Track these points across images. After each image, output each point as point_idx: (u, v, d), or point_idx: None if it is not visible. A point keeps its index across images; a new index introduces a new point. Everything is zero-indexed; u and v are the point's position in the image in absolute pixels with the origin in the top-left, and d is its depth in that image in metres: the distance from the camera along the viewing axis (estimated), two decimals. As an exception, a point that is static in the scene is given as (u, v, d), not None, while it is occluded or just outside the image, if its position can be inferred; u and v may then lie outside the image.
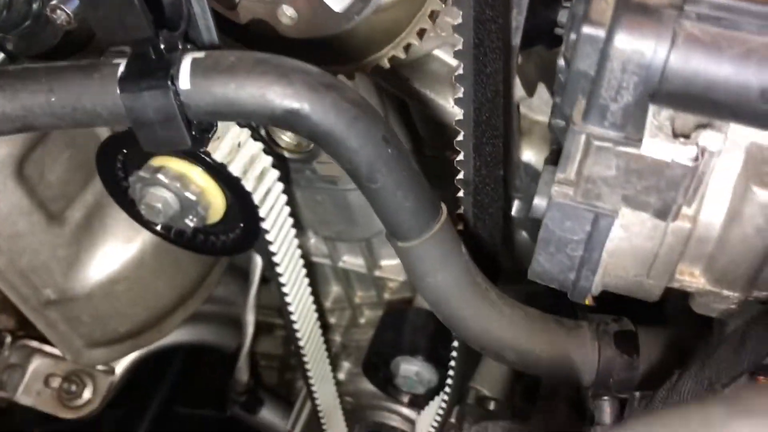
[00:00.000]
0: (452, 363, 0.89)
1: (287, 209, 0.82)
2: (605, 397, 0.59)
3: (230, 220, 0.80)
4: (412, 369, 1.00)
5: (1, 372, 1.03)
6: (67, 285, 0.93)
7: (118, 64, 0.53)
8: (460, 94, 0.59)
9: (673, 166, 0.43)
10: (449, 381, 0.93)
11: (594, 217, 0.48)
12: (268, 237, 0.80)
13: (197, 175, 0.74)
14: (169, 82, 0.51)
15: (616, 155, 0.44)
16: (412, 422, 1.18)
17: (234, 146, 0.75)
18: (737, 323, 0.51)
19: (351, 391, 1.20)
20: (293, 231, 0.85)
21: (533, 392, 1.15)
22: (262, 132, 0.93)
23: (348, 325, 1.23)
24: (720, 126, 0.45)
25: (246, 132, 0.76)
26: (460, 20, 0.56)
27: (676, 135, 0.43)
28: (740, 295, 0.51)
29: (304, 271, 0.91)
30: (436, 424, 1.01)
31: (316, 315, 0.99)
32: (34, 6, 0.64)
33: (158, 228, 0.83)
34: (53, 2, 0.58)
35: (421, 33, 0.66)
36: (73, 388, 1.06)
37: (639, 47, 0.43)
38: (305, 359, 1.02)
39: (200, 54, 0.53)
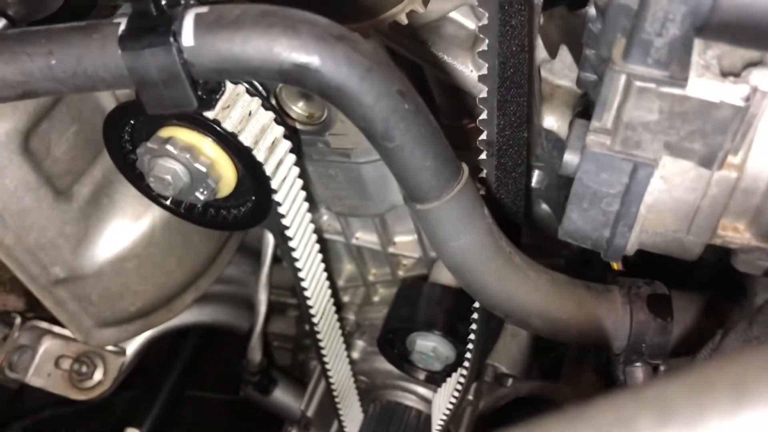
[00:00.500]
0: (471, 336, 0.87)
1: (299, 182, 0.80)
2: (638, 363, 0.56)
3: (241, 194, 0.78)
4: (428, 345, 0.98)
5: (12, 353, 1.02)
6: (75, 263, 0.92)
7: (118, 23, 0.51)
8: (484, 47, 0.56)
9: (722, 107, 0.40)
10: (468, 356, 0.90)
11: (633, 167, 0.45)
12: (281, 210, 0.78)
13: (207, 145, 0.72)
14: (172, 39, 0.49)
15: (659, 97, 0.41)
16: (427, 401, 1.16)
17: (244, 115, 0.72)
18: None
19: (365, 371, 1.19)
20: (306, 204, 0.83)
21: (551, 370, 1.13)
22: (273, 103, 0.91)
23: (362, 303, 1.21)
24: (772, 63, 0.42)
25: (257, 101, 0.73)
26: (483, -32, 0.53)
27: (724, 74, 0.41)
28: (788, 250, 0.48)
29: (317, 246, 0.89)
30: (454, 400, 0.99)
31: (329, 292, 0.97)
32: (35, -31, 0.62)
33: (168, 202, 0.81)
34: (54, -36, 0.56)
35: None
36: (84, 369, 1.04)
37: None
38: (319, 337, 1.00)
39: (203, 8, 0.50)
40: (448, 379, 1.03)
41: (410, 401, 1.17)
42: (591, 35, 0.53)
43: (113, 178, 0.92)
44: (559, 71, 0.81)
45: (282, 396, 1.34)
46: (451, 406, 1.00)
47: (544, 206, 1.01)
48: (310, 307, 0.93)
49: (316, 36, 0.48)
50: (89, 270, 0.93)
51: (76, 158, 0.88)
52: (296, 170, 0.79)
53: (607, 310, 0.61)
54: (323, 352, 1.03)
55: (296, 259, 0.85)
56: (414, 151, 0.52)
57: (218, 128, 0.69)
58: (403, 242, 1.10)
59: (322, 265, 0.92)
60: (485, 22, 0.55)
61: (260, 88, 0.76)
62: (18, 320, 1.03)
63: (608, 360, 0.63)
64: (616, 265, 0.64)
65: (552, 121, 0.84)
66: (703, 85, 0.41)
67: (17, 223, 0.85)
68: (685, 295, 0.63)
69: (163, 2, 0.50)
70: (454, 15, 0.74)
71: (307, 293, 0.91)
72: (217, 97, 0.65)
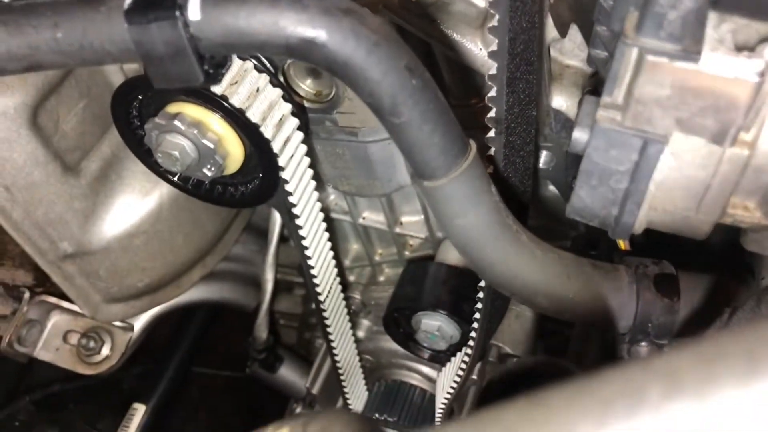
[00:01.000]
0: (476, 316, 0.87)
1: (307, 160, 0.80)
2: (643, 343, 0.56)
3: (249, 171, 0.78)
4: (434, 324, 0.99)
5: (21, 327, 1.03)
6: (84, 238, 0.92)
7: None
8: (494, 22, 0.56)
9: (736, 83, 0.40)
10: (473, 335, 0.91)
11: (643, 143, 0.45)
12: (288, 187, 0.78)
13: (215, 121, 0.72)
14: (178, 13, 0.48)
15: (672, 72, 0.41)
16: (432, 381, 1.17)
17: (252, 91, 0.72)
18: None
19: (370, 350, 1.19)
20: (313, 183, 0.83)
21: (556, 350, 1.13)
22: (281, 80, 0.90)
23: (368, 283, 1.22)
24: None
25: (264, 77, 0.73)
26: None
27: (738, 49, 0.40)
28: (797, 230, 0.48)
29: (324, 224, 0.89)
30: (458, 380, 0.99)
31: (336, 271, 0.98)
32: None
33: (175, 179, 0.82)
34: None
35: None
36: (92, 344, 1.05)
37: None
38: (325, 315, 1.00)
39: None
40: (453, 359, 1.03)
41: (414, 380, 1.18)
42: (602, 11, 0.52)
43: (121, 154, 0.93)
44: (569, 51, 0.81)
45: (287, 373, 1.35)
46: (455, 386, 1.01)
47: (551, 188, 1.00)
48: (317, 285, 0.94)
49: (323, 9, 0.47)
50: (97, 245, 0.94)
51: (84, 134, 0.88)
52: (304, 148, 0.78)
53: (614, 290, 0.61)
54: (329, 330, 1.04)
55: (303, 238, 0.85)
56: (422, 127, 0.52)
57: (226, 104, 0.69)
58: (409, 222, 1.10)
59: (329, 245, 0.92)
60: (496, -4, 0.54)
61: (268, 64, 0.76)
62: (27, 295, 1.04)
63: (614, 340, 0.63)
64: (623, 245, 0.64)
65: (561, 101, 0.83)
66: (717, 59, 0.40)
67: (26, 197, 0.85)
68: (692, 276, 0.63)
69: (170, -25, 0.50)
70: (463, -8, 0.73)
71: (313, 272, 0.91)
72: (224, 71, 0.64)
